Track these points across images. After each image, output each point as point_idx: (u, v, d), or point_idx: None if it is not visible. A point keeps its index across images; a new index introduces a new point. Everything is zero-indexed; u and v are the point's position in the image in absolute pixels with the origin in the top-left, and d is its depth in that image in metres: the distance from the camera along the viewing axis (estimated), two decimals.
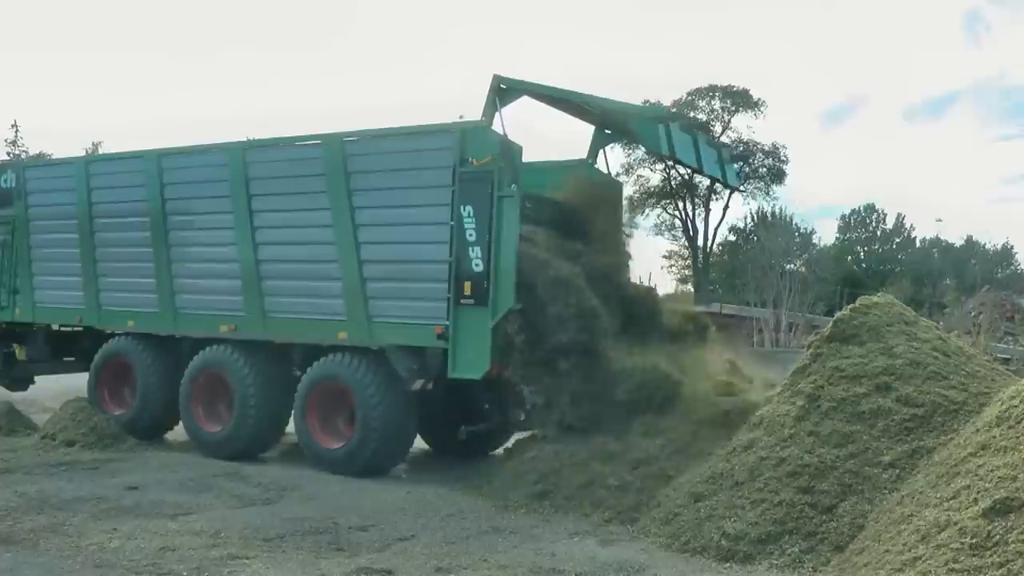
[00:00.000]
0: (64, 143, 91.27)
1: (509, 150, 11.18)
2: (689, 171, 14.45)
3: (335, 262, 12.14)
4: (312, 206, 12.35)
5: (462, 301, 11.11)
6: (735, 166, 14.79)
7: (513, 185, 11.00)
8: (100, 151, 42.90)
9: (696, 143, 12.55)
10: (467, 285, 11.06)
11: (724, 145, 15.16)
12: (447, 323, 11.22)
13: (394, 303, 11.72)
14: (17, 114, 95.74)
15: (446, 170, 11.33)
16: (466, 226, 11.07)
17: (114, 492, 10.30)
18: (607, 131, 12.86)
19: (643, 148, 12.28)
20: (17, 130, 54.73)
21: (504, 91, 11.61)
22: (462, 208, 11.10)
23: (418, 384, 11.59)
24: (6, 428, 13.85)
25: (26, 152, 51.13)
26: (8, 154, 50.88)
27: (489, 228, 10.95)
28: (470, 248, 11.03)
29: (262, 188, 12.83)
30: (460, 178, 11.18)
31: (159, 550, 8.01)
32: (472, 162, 11.15)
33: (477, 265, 10.99)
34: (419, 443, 13.60)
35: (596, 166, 13.16)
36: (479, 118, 11.58)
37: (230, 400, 12.84)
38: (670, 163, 13.37)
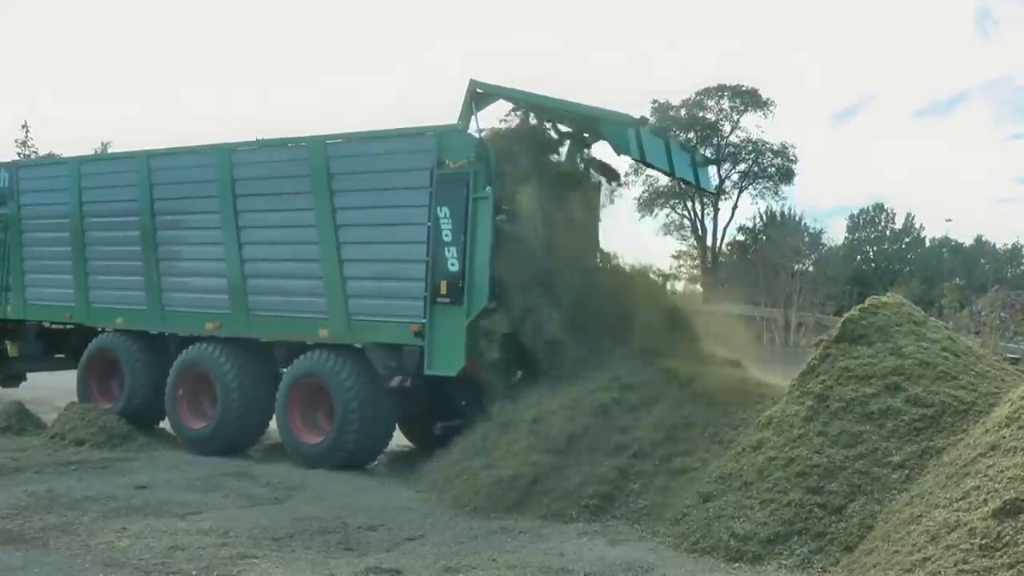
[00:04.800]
0: (73, 143, 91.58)
1: (485, 153, 11.38)
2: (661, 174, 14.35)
3: (317, 261, 12.45)
4: (295, 207, 12.68)
5: (438, 300, 11.45)
6: (709, 170, 14.83)
7: (488, 187, 11.25)
8: (109, 151, 42.99)
9: (668, 147, 12.63)
10: (443, 284, 11.41)
11: (696, 149, 15.19)
12: (423, 321, 11.51)
13: (373, 301, 12.07)
14: (27, 114, 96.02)
15: (424, 172, 11.65)
16: (442, 227, 11.41)
17: (123, 491, 10.33)
18: (585, 134, 12.94)
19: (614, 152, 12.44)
20: (27, 130, 54.93)
21: (480, 95, 11.80)
22: (439, 209, 11.45)
23: (396, 381, 11.87)
24: (16, 427, 13.91)
25: (36, 152, 51.33)
26: (18, 154, 51.08)
27: (464, 229, 11.27)
28: (446, 248, 11.38)
29: (247, 189, 13.13)
30: (437, 180, 11.50)
31: (168, 549, 8.04)
32: (449, 164, 11.43)
33: (453, 265, 11.32)
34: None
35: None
36: (456, 121, 11.73)
37: (214, 397, 13.09)
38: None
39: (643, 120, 11.49)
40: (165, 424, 14.17)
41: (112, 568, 7.55)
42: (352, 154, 12.45)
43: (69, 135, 79.60)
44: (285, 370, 12.75)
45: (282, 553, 8.07)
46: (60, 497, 9.90)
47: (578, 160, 13.07)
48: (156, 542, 8.25)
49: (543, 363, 11.24)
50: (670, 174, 13.24)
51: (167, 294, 13.96)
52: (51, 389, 16.73)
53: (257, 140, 13.81)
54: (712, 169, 25.21)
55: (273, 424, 13.04)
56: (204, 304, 13.53)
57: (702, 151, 19.67)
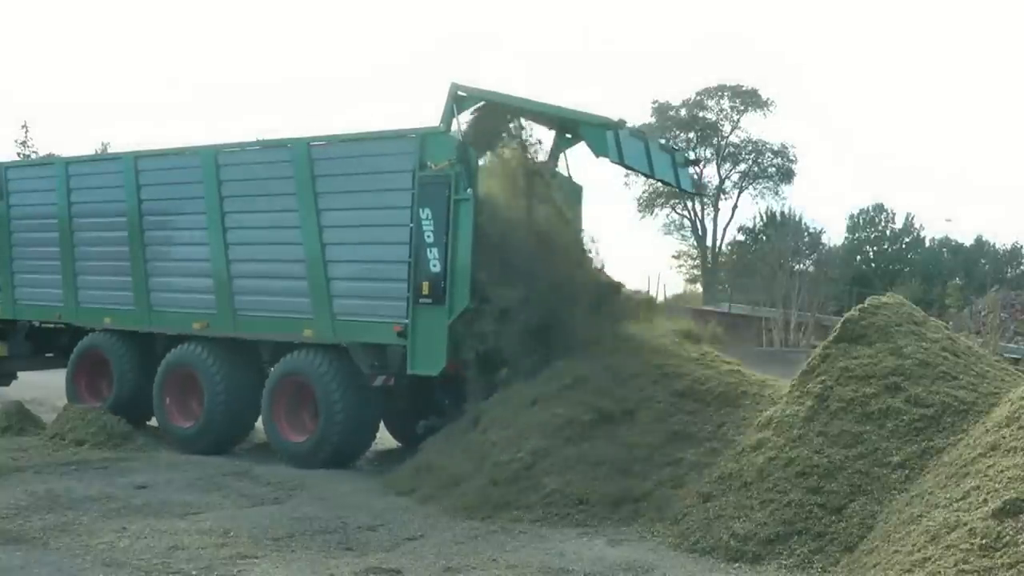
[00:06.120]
0: (73, 144, 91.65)
1: (466, 155, 11.45)
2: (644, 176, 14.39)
3: (302, 262, 12.57)
4: (280, 208, 12.81)
5: (420, 300, 11.55)
6: (689, 171, 14.89)
7: (469, 189, 11.34)
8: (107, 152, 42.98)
9: (647, 149, 12.65)
10: (425, 285, 11.51)
11: (676, 150, 15.26)
12: (406, 322, 11.63)
13: (356, 302, 12.20)
14: (27, 115, 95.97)
15: (406, 174, 11.76)
16: (424, 228, 11.51)
17: (123, 491, 10.33)
18: (567, 136, 12.98)
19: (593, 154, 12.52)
20: (27, 130, 54.87)
21: (462, 98, 11.87)
22: (421, 211, 11.54)
23: (380, 380, 12.00)
24: (16, 427, 13.91)
25: (35, 152, 51.30)
26: (18, 154, 51.03)
27: (446, 230, 11.36)
28: (428, 249, 11.47)
29: (233, 190, 13.26)
30: (419, 182, 11.61)
31: (168, 549, 8.04)
32: (431, 166, 11.54)
33: (435, 266, 11.42)
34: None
35: (557, 169, 13.21)
36: (437, 124, 11.79)
37: (201, 396, 13.20)
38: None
39: (621, 122, 11.53)
40: (154, 422, 14.23)
41: (112, 568, 7.55)
42: (335, 156, 12.58)
43: (69, 135, 79.79)
44: (271, 369, 12.89)
45: (282, 553, 8.07)
46: (60, 497, 9.89)
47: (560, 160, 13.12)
48: (156, 542, 8.25)
49: (530, 362, 11.28)
50: (649, 176, 13.29)
51: (155, 294, 14.09)
52: (51, 389, 16.73)
53: (242, 142, 13.97)
54: (693, 170, 25.12)
55: (259, 423, 13.15)
56: (191, 304, 13.65)
57: (683, 152, 19.58)
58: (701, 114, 61.12)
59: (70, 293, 15.07)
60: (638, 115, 59.29)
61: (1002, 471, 6.79)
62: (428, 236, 11.46)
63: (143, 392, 13.89)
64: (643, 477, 9.57)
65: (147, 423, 14.33)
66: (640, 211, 61.91)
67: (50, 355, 16.54)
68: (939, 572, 6.18)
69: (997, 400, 8.46)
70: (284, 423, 12.57)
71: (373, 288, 12.09)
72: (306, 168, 12.48)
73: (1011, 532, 6.13)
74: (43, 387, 16.99)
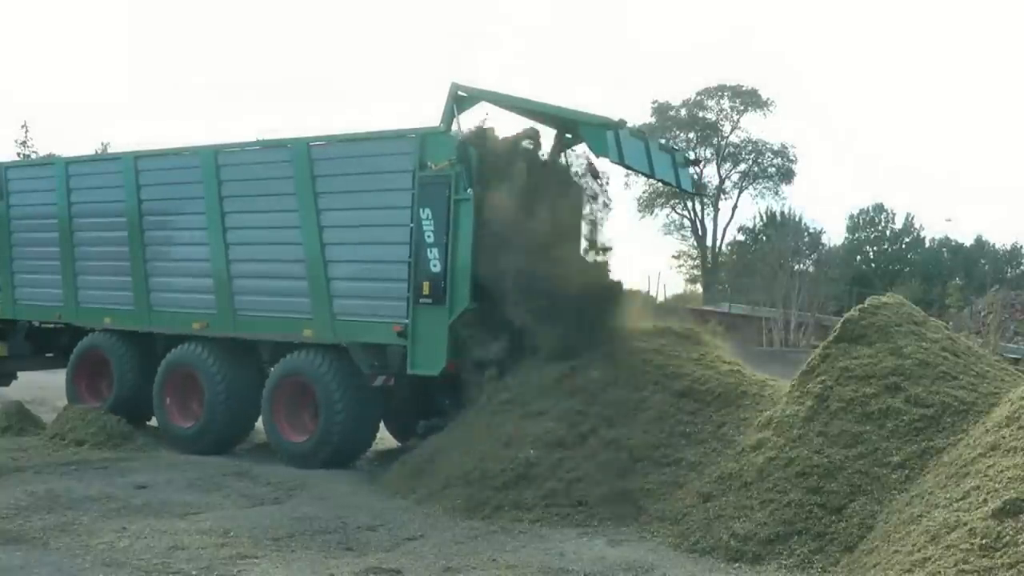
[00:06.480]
0: (74, 144, 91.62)
1: (466, 155, 11.46)
2: (643, 176, 14.34)
3: (302, 262, 12.60)
4: (280, 208, 12.84)
5: (420, 300, 11.58)
6: (690, 171, 14.86)
7: (469, 189, 11.36)
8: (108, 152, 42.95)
9: (647, 149, 12.65)
10: (425, 285, 11.54)
11: (676, 150, 15.26)
12: (406, 322, 11.66)
13: (356, 302, 12.23)
14: (27, 115, 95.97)
15: (406, 174, 11.80)
16: (424, 228, 11.55)
17: (123, 491, 10.33)
18: (567, 136, 12.97)
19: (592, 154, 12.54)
20: (27, 130, 54.85)
21: (462, 99, 11.89)
22: (421, 211, 11.58)
23: (380, 380, 12.02)
24: (16, 427, 13.93)
25: (35, 152, 51.29)
26: (18, 154, 51.02)
27: (446, 230, 11.40)
28: (428, 249, 11.51)
29: (233, 190, 13.29)
30: (419, 182, 11.65)
31: (168, 549, 8.04)
32: (431, 166, 11.57)
33: (435, 266, 11.45)
34: None
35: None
36: (437, 124, 11.81)
37: (201, 396, 13.22)
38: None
39: (621, 123, 11.51)
40: (154, 422, 14.22)
41: (112, 568, 7.55)
42: (335, 156, 12.60)
43: (69, 135, 79.76)
44: (271, 369, 12.90)
45: (282, 553, 8.07)
46: (60, 497, 9.89)
47: (561, 159, 13.08)
48: (156, 542, 8.25)
49: (527, 361, 11.29)
50: (649, 176, 13.27)
51: (154, 294, 14.11)
52: (51, 389, 16.74)
53: (242, 142, 13.99)
54: (694, 170, 24.99)
55: (259, 423, 13.14)
56: (191, 304, 13.68)
57: (683, 152, 19.52)
58: (701, 114, 61.15)
59: (70, 293, 15.08)
60: (638, 115, 59.36)
61: (1002, 471, 6.80)
62: (428, 236, 11.49)
63: (143, 392, 13.88)
64: (643, 477, 9.56)
65: (147, 423, 14.35)
66: (640, 211, 61.93)
67: (50, 355, 16.54)
68: (939, 572, 6.18)
69: (997, 400, 8.46)
70: (284, 423, 12.57)
71: (373, 288, 12.11)
72: (306, 168, 12.50)
73: (1011, 532, 6.13)
74: (43, 387, 17.01)
